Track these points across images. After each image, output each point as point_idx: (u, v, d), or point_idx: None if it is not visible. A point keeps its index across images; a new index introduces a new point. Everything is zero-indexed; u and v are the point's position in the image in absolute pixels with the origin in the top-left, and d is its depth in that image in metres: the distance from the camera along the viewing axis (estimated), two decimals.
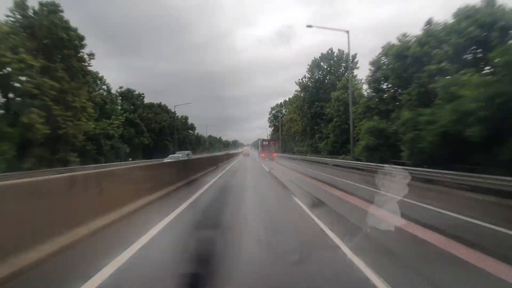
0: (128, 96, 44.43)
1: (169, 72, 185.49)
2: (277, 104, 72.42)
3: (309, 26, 20.45)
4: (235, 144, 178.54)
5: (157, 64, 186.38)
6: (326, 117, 35.35)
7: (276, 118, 68.53)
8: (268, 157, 38.24)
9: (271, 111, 73.98)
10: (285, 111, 65.06)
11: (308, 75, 43.28)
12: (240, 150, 58.99)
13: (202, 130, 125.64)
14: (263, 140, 46.51)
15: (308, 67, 42.87)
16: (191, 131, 65.88)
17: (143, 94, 47.13)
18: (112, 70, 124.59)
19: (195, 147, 62.55)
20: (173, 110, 48.32)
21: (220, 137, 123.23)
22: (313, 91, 41.23)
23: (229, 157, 35.01)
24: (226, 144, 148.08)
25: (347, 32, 20.17)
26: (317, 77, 41.97)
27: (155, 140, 45.49)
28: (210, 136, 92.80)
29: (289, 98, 60.37)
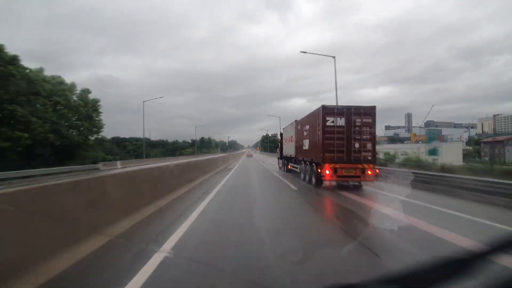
0: None
1: (168, 70, 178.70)
2: None
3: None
4: (232, 145, 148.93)
5: (155, 62, 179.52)
6: None
7: None
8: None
9: None
10: None
11: None
12: (213, 156, 40.06)
13: (204, 134, 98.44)
14: (326, 108, 9.68)
15: None
16: None
17: None
18: (107, 68, 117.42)
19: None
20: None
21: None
22: None
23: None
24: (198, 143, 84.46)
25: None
26: None
27: None
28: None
29: None
